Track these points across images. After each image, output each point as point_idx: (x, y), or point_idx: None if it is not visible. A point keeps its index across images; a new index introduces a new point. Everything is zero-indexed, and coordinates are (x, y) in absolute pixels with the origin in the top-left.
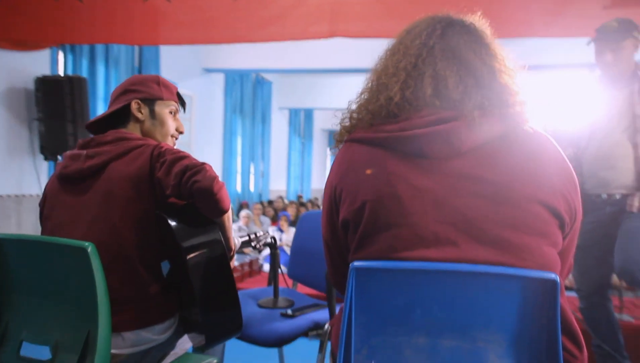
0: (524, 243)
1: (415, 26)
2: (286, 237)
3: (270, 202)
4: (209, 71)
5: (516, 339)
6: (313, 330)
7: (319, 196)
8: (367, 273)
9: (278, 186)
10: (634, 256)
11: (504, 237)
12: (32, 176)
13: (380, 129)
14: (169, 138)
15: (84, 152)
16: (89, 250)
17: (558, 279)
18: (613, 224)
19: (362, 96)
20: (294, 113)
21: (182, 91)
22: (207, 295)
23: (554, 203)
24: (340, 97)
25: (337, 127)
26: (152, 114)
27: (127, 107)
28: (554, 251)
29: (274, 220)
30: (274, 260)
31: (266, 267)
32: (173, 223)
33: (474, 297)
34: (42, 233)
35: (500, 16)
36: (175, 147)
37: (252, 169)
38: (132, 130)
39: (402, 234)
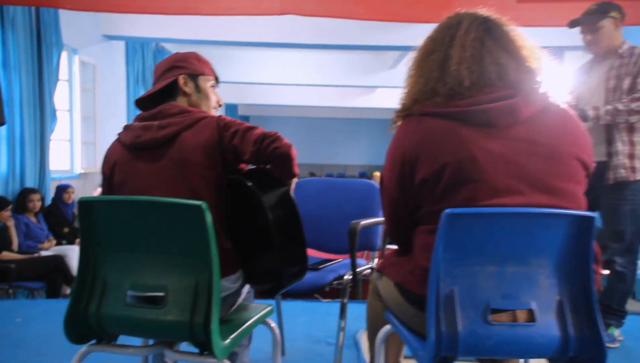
0: (569, 189)
1: (458, 22)
2: None
3: None
4: (109, 38)
5: (559, 262)
6: (336, 280)
7: None
8: (455, 218)
9: None
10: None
11: (555, 185)
12: None
13: (452, 105)
14: (212, 110)
15: (156, 123)
16: (203, 207)
17: (595, 216)
18: (591, 193)
19: (425, 79)
20: None
21: (83, 59)
22: (285, 247)
23: (584, 157)
24: (241, 71)
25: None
26: (197, 88)
27: (175, 82)
28: (583, 194)
29: None
30: None
31: None
32: (252, 185)
33: (532, 232)
34: (121, 195)
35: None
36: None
37: None
38: (181, 103)
39: (480, 187)
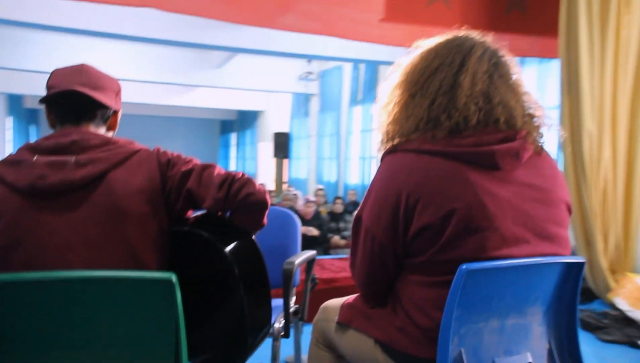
0: (563, 235)
1: (471, 46)
2: None
3: None
4: None
5: (549, 308)
6: None
7: None
8: (471, 274)
9: None
10: None
11: (554, 232)
12: None
13: (454, 143)
14: None
15: (72, 158)
16: (174, 281)
17: (584, 261)
18: None
19: (429, 103)
20: None
21: None
22: (252, 308)
23: (569, 202)
24: (34, 57)
25: None
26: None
27: (112, 112)
28: None
29: None
30: None
31: None
32: (210, 237)
33: (532, 282)
34: (11, 263)
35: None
36: None
37: None
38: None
39: (490, 236)
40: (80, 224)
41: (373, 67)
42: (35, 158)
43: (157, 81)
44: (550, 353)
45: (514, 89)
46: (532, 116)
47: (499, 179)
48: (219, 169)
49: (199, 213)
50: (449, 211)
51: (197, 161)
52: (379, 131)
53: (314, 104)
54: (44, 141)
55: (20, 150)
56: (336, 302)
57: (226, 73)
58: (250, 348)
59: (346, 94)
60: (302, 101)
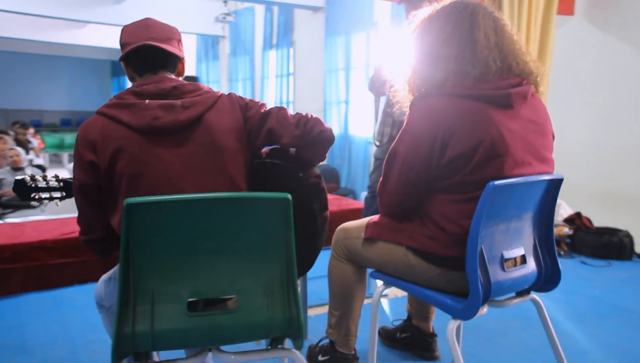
0: (551, 158)
1: (473, 9)
2: None
3: None
4: None
5: (535, 214)
6: None
7: None
8: (496, 189)
9: None
10: None
11: (546, 156)
12: None
13: (478, 88)
14: None
15: (179, 102)
16: (289, 199)
17: (562, 177)
18: None
19: (455, 57)
20: None
21: None
22: (323, 229)
23: (553, 132)
24: None
25: None
26: None
27: (179, 59)
28: None
29: None
30: None
31: None
32: (291, 166)
33: (530, 194)
34: (138, 189)
35: None
36: None
37: None
38: None
39: (506, 161)
40: (189, 158)
41: (287, 10)
42: (147, 101)
43: (45, 15)
44: (534, 246)
45: (513, 40)
46: (527, 62)
47: (511, 116)
48: (289, 111)
49: (267, 148)
50: (478, 142)
51: (265, 104)
52: (404, 85)
53: (224, 47)
54: (146, 87)
55: (123, 95)
56: (355, 224)
57: (125, 10)
58: (317, 255)
59: (259, 38)
60: (209, 44)
